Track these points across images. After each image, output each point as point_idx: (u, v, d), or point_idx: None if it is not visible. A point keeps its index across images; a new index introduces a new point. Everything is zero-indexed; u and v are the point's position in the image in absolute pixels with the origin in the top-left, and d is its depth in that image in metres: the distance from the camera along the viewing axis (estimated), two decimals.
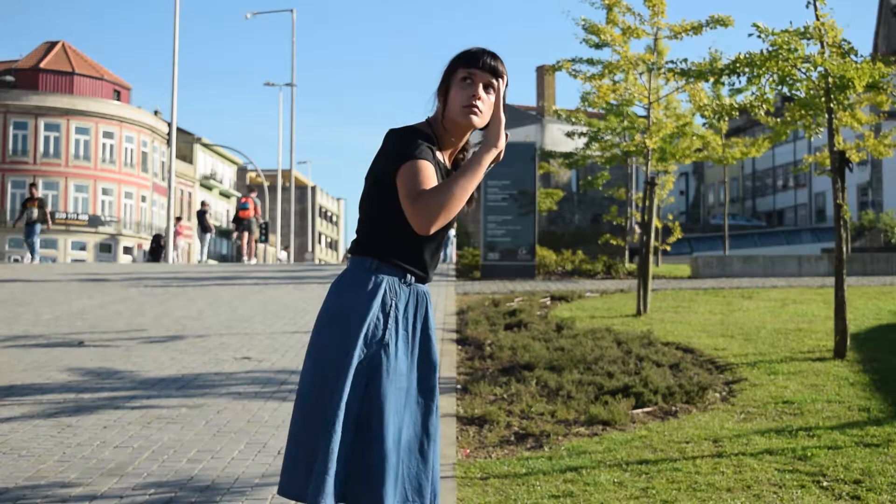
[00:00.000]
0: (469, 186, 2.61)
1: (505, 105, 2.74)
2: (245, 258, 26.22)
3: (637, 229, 24.81)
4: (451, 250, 31.88)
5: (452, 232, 29.95)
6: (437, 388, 2.83)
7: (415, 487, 2.74)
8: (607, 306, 11.77)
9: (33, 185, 25.41)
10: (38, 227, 22.50)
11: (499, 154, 2.71)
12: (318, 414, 2.65)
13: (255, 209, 26.29)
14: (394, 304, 2.71)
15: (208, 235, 28.63)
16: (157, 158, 55.21)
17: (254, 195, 27.48)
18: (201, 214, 28.52)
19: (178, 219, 33.04)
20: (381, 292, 2.70)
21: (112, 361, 8.03)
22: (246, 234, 26.10)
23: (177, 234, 30.94)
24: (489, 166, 2.66)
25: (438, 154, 2.77)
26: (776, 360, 7.63)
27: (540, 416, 6.04)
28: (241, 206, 26.31)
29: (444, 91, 2.78)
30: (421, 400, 2.79)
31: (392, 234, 2.72)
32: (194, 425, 5.72)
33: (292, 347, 8.86)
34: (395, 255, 2.73)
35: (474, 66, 2.74)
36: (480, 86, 2.74)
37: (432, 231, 2.59)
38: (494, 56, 2.77)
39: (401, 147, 2.66)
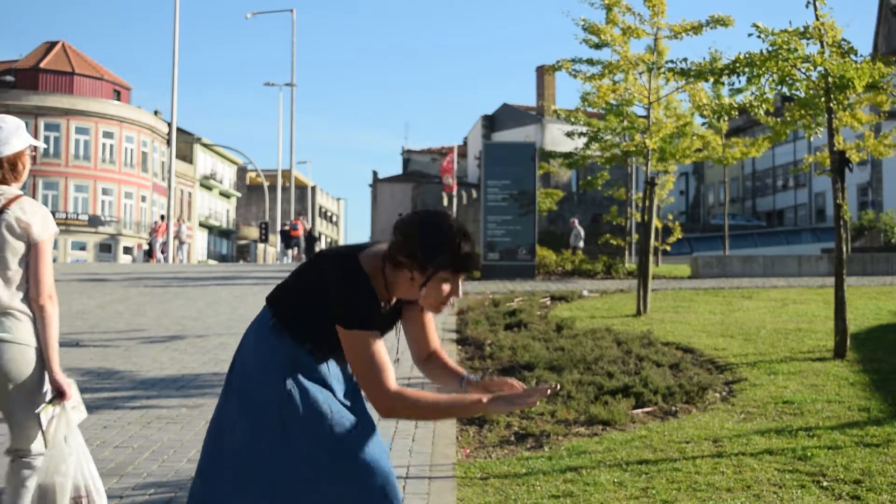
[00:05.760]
0: (442, 418, 2.61)
1: (529, 400, 2.60)
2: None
3: (575, 225, 25.26)
4: None
5: None
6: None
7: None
8: (607, 306, 11.77)
9: None
10: None
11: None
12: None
13: (304, 228, 33.63)
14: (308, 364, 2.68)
15: (290, 251, 34.40)
16: (157, 158, 55.17)
17: (302, 217, 35.16)
18: (285, 233, 34.42)
19: (163, 217, 34.52)
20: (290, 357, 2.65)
21: (112, 361, 8.03)
22: (295, 249, 33.63)
23: (160, 233, 32.45)
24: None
25: (384, 302, 2.71)
26: (776, 360, 7.63)
27: (540, 416, 6.04)
28: (293, 227, 33.46)
29: (417, 271, 2.62)
30: (354, 403, 2.74)
31: (318, 329, 2.65)
32: (194, 425, 5.72)
33: None
34: (308, 341, 2.66)
35: (464, 273, 2.71)
36: (459, 281, 2.72)
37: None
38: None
39: (349, 301, 2.58)
